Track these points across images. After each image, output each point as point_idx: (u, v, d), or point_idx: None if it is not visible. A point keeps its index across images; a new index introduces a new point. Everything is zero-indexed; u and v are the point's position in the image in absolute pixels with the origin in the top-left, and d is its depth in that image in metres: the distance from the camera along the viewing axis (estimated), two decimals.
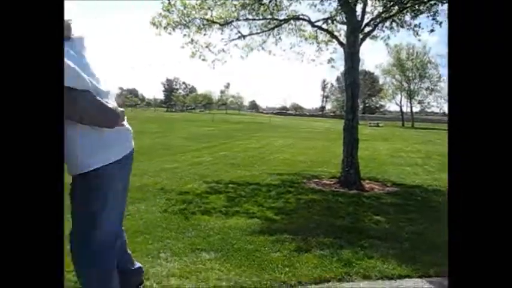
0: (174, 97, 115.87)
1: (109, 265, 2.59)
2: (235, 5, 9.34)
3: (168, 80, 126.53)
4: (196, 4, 9.26)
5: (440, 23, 8.83)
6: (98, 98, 2.36)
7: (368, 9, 9.04)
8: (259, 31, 10.09)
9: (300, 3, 9.66)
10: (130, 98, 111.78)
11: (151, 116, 49.17)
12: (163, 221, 5.06)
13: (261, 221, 5.29)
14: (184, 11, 9.26)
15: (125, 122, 2.71)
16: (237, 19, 9.57)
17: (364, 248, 4.33)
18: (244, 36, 9.95)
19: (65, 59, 2.09)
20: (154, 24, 9.34)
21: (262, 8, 9.46)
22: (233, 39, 9.86)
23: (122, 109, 2.58)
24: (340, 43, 9.10)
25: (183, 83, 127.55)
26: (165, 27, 9.35)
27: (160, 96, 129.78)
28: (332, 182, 8.52)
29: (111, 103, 2.47)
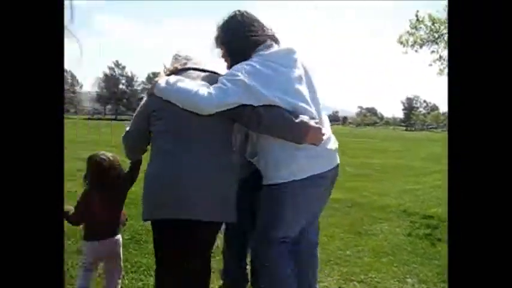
0: (414, 115, 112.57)
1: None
2: None
3: (408, 99, 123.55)
4: (446, 18, 8.83)
5: None
6: (287, 114, 2.38)
7: None
8: None
9: None
10: (369, 116, 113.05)
11: (391, 135, 48.66)
12: (408, 245, 4.91)
13: None
14: (433, 27, 8.93)
15: (331, 142, 2.66)
16: None
17: None
18: None
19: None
20: (401, 42, 9.26)
21: None
22: None
23: (324, 130, 2.57)
24: None
25: (424, 101, 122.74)
26: (412, 45, 9.18)
27: (400, 114, 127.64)
28: None
29: (309, 120, 2.47)
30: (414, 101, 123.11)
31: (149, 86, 2.53)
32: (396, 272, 3.95)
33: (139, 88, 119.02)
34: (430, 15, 8.90)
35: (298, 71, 2.51)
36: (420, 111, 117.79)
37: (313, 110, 2.51)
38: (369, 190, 9.10)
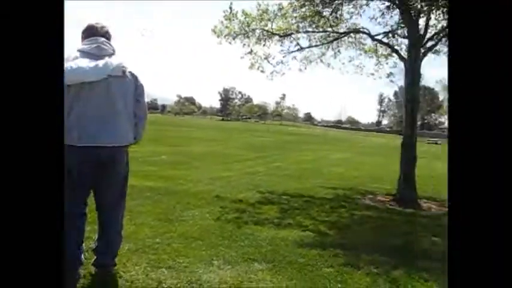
0: (230, 106, 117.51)
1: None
2: (295, 17, 9.37)
3: (224, 90, 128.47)
4: (257, 15, 9.37)
5: None
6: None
7: (431, 23, 8.82)
8: (318, 44, 10.06)
9: (361, 16, 9.58)
10: (188, 105, 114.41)
11: (208, 124, 50.04)
12: (216, 229, 5.11)
13: (313, 235, 5.24)
14: (245, 21, 9.38)
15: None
16: (297, 31, 9.59)
17: (420, 270, 4.18)
18: (303, 49, 9.96)
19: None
20: (215, 32, 9.52)
21: (322, 21, 9.44)
22: (292, 52, 9.89)
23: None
24: (401, 57, 8.91)
25: (239, 92, 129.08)
26: (225, 36, 9.51)
27: (217, 105, 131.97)
28: (387, 199, 8.32)
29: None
30: (230, 92, 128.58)
31: None
32: (204, 256, 4.08)
33: None
34: (243, 10, 9.34)
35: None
36: (236, 102, 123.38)
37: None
38: (185, 178, 9.23)
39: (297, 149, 22.73)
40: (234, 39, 9.55)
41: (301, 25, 9.54)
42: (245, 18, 9.35)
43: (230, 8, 9.28)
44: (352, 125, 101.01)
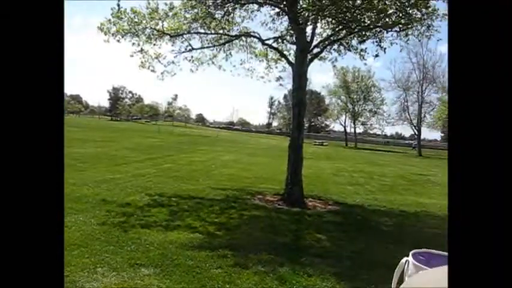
0: (120, 106, 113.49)
1: None
2: (186, 18, 9.30)
3: (114, 89, 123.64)
4: (147, 14, 9.14)
5: (385, 49, 9.19)
6: None
7: (317, 31, 9.29)
8: (210, 45, 10.09)
9: (252, 20, 9.78)
10: (74, 104, 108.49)
11: (95, 124, 47.78)
12: (101, 234, 4.88)
13: (202, 236, 5.23)
14: (135, 20, 9.12)
15: None
16: (189, 32, 9.53)
17: (305, 265, 4.37)
18: (194, 49, 9.91)
19: None
20: (102, 30, 9.11)
21: (214, 23, 9.48)
22: (183, 52, 9.79)
23: None
24: (289, 62, 9.25)
25: (130, 92, 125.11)
26: (113, 34, 9.15)
27: (106, 104, 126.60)
28: (276, 199, 8.58)
29: None
30: (120, 91, 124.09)
31: None
32: (87, 263, 3.88)
33: None
34: (132, 8, 9.05)
35: None
36: (126, 102, 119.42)
37: None
38: (67, 181, 8.70)
39: (188, 150, 22.58)
40: (123, 37, 9.21)
41: (193, 26, 9.49)
42: (135, 16, 9.08)
43: (118, 5, 8.95)
44: (244, 126, 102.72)
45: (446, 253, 3.11)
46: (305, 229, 6.17)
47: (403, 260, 3.52)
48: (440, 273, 2.71)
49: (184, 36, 9.59)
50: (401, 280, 3.10)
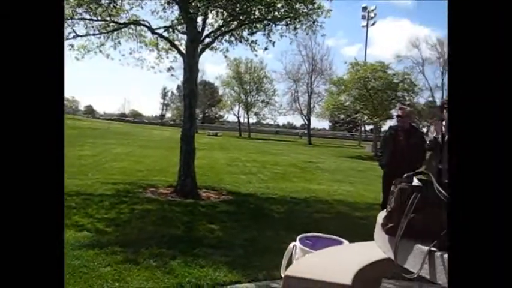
0: None
1: None
2: (69, 2, 8.72)
3: None
4: None
5: (273, 42, 9.43)
6: None
7: (209, 21, 9.25)
8: (96, 33, 9.57)
9: (142, 8, 9.47)
10: None
11: None
12: None
13: (91, 234, 4.99)
14: None
15: None
16: (72, 17, 8.94)
17: (198, 257, 4.36)
18: (79, 36, 9.33)
19: None
20: None
21: (100, 9, 9.01)
22: (67, 39, 9.18)
23: None
24: (180, 52, 9.12)
25: None
26: None
27: None
28: (169, 191, 8.46)
29: None
30: None
31: None
32: None
33: None
34: None
35: None
36: None
37: None
38: None
39: (76, 143, 21.36)
40: None
41: (77, 10, 8.92)
42: None
43: None
44: (136, 118, 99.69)
45: (330, 236, 3.34)
46: (198, 220, 6.16)
47: (291, 245, 3.69)
48: (324, 255, 2.91)
49: (68, 21, 8.98)
50: (290, 264, 3.24)
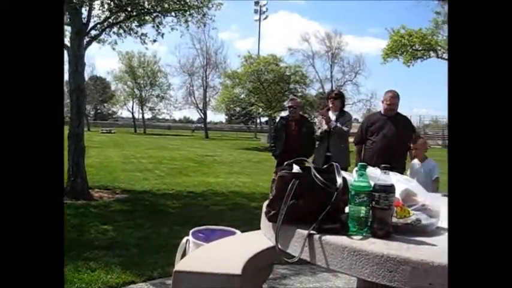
0: None
1: None
2: None
3: None
4: None
5: (163, 34, 9.25)
6: None
7: (95, 13, 8.80)
8: None
9: None
10: None
11: None
12: None
13: None
14: None
15: None
16: None
17: (89, 260, 4.15)
18: None
19: None
20: None
21: None
22: None
23: None
24: (64, 45, 8.59)
25: None
26: None
27: None
28: None
29: None
30: None
31: None
32: None
33: None
34: None
35: None
36: None
37: None
38: None
39: None
40: None
41: None
42: None
43: None
44: None
45: (223, 227, 3.35)
46: (90, 222, 5.86)
47: (184, 239, 3.66)
48: (215, 247, 2.93)
49: None
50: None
